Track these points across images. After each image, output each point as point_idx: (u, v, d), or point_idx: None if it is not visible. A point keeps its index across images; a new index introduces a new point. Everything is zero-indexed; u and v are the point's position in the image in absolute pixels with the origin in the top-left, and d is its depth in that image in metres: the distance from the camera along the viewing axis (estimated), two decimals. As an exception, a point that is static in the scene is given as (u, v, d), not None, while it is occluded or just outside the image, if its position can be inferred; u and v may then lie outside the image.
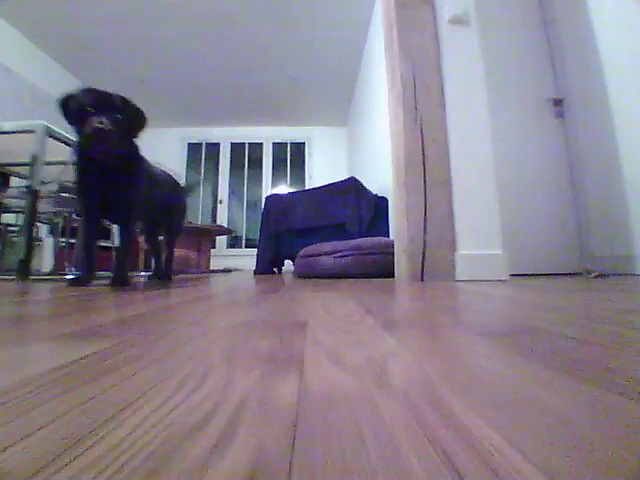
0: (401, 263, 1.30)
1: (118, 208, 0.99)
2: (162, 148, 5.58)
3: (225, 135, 5.66)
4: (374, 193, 2.62)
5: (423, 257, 1.22)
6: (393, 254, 1.61)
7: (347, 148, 5.47)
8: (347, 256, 1.53)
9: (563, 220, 2.06)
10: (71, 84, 3.97)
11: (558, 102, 2.14)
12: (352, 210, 2.43)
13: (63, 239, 3.38)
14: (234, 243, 5.59)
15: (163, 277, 1.58)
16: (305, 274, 1.74)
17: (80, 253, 2.13)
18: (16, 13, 3.05)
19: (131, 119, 1.01)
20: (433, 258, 1.22)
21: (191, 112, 5.14)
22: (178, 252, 3.53)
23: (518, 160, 2.08)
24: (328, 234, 2.37)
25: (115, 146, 0.91)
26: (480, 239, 1.26)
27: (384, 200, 2.55)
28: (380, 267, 1.52)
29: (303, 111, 5.07)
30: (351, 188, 2.47)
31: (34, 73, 3.51)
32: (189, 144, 5.68)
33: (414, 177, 1.28)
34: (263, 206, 2.70)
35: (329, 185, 2.58)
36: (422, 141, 1.32)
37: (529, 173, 2.10)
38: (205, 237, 3.81)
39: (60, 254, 3.56)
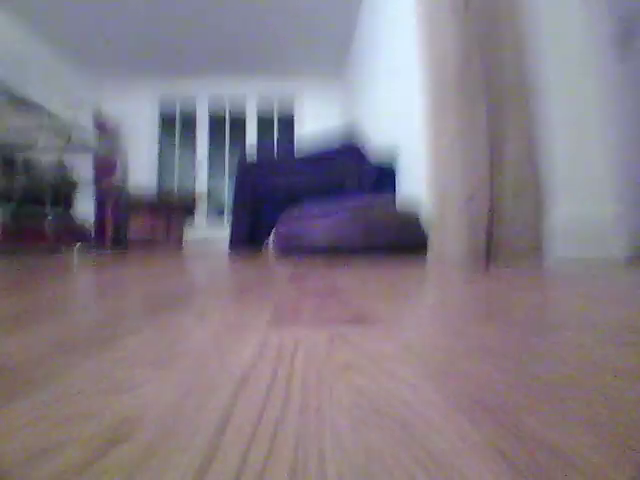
0: (448, 232, 0.77)
1: None
2: (131, 106, 4.83)
3: (202, 91, 4.91)
4: (376, 163, 2.03)
5: (491, 222, 0.68)
6: (415, 219, 1.07)
7: (341, 104, 4.80)
8: (347, 219, 0.99)
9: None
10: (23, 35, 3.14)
11: (624, 38, 1.54)
12: (352, 181, 1.85)
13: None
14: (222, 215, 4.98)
15: None
16: (287, 250, 1.19)
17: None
18: None
19: None
20: (509, 224, 0.69)
21: (162, 64, 4.36)
22: (135, 221, 2.95)
23: (566, 121, 1.51)
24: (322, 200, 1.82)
25: None
26: (584, 189, 0.72)
27: (390, 168, 1.99)
28: (398, 237, 0.98)
29: (291, 58, 4.33)
30: (351, 154, 1.88)
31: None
32: (162, 102, 4.93)
33: (471, 90, 0.72)
34: (237, 165, 2.10)
35: (323, 151, 1.97)
36: (482, 34, 0.74)
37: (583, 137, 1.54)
38: (174, 210, 3.21)
39: None
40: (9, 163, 2.45)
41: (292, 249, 1.16)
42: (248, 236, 2.05)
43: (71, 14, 3.23)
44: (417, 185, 1.52)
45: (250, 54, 4.21)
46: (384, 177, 1.92)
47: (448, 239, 0.75)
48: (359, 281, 0.49)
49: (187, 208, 3.63)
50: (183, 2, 3.22)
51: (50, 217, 2.57)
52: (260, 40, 3.87)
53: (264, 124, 4.91)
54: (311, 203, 1.35)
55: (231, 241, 2.08)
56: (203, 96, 4.90)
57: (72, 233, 3.42)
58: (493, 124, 0.70)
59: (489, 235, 0.69)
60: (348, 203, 1.05)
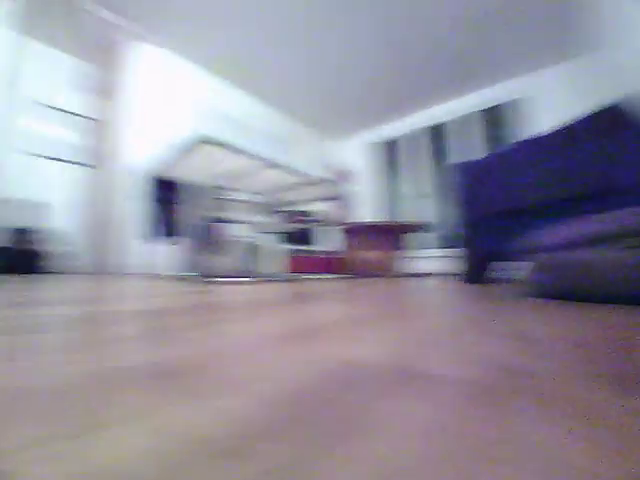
0: None
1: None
2: (348, 154, 5.57)
3: (421, 123, 4.97)
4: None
5: None
6: None
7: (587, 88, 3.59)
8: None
9: None
10: (250, 103, 4.56)
11: None
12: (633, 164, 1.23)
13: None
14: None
15: None
16: (554, 286, 0.83)
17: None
18: (203, 54, 3.76)
19: None
20: None
21: (372, 106, 4.85)
22: (363, 254, 3.22)
23: None
24: (579, 212, 1.30)
25: None
26: None
27: None
28: None
29: (508, 59, 3.71)
30: (621, 123, 1.27)
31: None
32: (379, 144, 5.43)
33: None
34: (456, 180, 1.87)
35: (572, 126, 1.45)
36: None
37: None
38: (392, 235, 3.30)
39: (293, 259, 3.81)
40: (281, 212, 3.42)
41: (564, 285, 0.82)
42: (482, 262, 1.73)
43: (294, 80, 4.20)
44: None
45: (461, 72, 3.95)
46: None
47: None
48: None
49: (409, 237, 3.68)
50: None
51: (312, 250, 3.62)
52: (470, 53, 3.57)
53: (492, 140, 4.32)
54: (563, 222, 0.95)
55: (468, 270, 1.77)
56: (424, 129, 4.96)
57: (313, 263, 4.16)
58: None
59: None
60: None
